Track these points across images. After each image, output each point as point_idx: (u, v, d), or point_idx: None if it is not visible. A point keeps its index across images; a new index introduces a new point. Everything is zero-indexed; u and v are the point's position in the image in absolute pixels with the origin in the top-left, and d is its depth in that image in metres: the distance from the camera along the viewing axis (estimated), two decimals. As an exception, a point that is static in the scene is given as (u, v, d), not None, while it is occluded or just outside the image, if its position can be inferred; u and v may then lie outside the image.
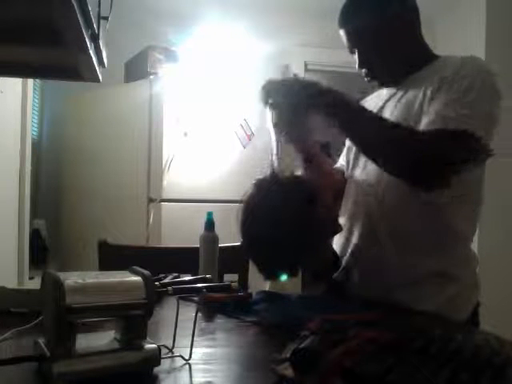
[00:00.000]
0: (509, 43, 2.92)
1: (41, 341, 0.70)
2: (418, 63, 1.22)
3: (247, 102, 2.91)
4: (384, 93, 1.31)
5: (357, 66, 1.24)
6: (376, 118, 1.14)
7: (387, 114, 1.22)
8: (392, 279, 1.16)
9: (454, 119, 1.03)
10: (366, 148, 1.13)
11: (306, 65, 3.54)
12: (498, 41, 2.91)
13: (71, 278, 0.68)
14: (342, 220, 1.28)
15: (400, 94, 1.22)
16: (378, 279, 1.18)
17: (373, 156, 1.12)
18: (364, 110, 1.14)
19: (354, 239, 1.24)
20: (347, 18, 1.22)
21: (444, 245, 1.15)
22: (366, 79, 1.27)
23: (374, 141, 1.10)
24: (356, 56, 1.23)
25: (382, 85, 1.30)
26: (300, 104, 1.08)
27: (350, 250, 1.25)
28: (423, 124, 1.08)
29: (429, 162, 1.04)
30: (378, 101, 1.31)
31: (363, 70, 1.25)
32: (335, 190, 1.29)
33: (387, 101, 1.26)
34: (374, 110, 1.30)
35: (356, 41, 1.21)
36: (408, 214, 1.16)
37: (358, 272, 1.23)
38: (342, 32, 1.23)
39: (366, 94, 1.42)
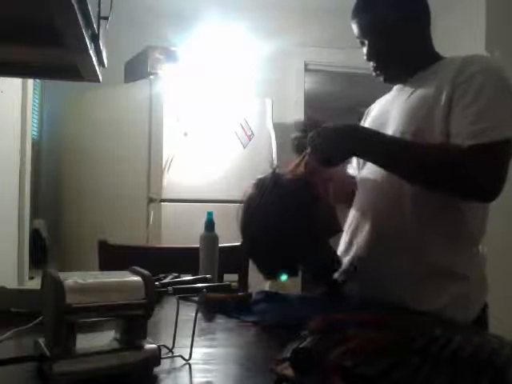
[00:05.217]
0: (509, 43, 2.92)
1: (41, 341, 0.70)
2: (424, 62, 1.23)
3: (247, 102, 2.91)
4: (392, 93, 1.33)
5: (365, 58, 1.27)
6: (408, 147, 1.13)
7: (397, 108, 1.23)
8: (397, 279, 1.15)
9: (483, 132, 1.03)
10: (413, 179, 1.12)
11: (306, 65, 3.54)
12: (498, 41, 2.91)
13: (71, 278, 0.68)
14: (347, 218, 1.28)
15: (409, 90, 1.22)
16: (382, 279, 1.17)
17: (423, 185, 1.12)
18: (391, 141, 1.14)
19: (359, 238, 1.23)
20: (362, 9, 1.25)
21: (456, 244, 1.14)
22: (373, 74, 1.28)
23: (422, 171, 1.09)
24: (365, 48, 1.26)
25: (388, 81, 1.31)
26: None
27: (353, 250, 1.24)
28: (454, 140, 1.08)
29: (482, 178, 1.04)
30: (387, 100, 1.34)
31: (371, 63, 1.27)
32: (344, 191, 1.30)
33: (396, 97, 1.28)
34: (385, 107, 1.31)
35: (368, 32, 1.24)
36: (421, 213, 1.15)
37: (360, 272, 1.22)
38: (354, 23, 1.26)
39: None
